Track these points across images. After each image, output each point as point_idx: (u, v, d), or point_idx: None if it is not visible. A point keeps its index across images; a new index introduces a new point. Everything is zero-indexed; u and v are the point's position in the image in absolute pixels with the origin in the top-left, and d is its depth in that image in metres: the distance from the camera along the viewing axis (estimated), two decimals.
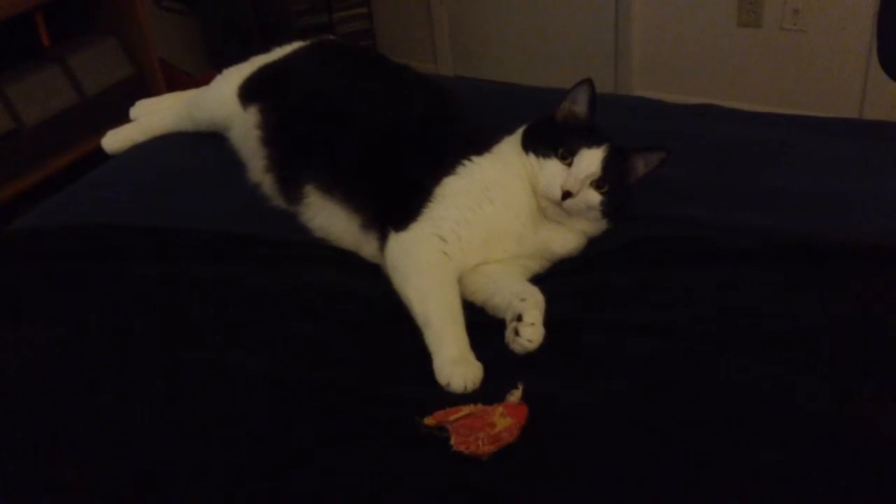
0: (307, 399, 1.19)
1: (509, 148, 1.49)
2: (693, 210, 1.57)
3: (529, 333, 1.25)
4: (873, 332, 1.27)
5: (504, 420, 1.11)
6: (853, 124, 2.19)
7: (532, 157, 1.44)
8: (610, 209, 1.44)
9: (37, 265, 1.51)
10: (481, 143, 1.50)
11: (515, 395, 1.15)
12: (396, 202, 1.45)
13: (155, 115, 2.00)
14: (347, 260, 1.51)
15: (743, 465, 1.06)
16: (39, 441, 1.14)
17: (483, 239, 1.42)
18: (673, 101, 2.27)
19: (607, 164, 1.41)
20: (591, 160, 1.40)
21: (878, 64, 2.61)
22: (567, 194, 1.39)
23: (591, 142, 1.41)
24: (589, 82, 1.43)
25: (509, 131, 1.53)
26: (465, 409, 1.12)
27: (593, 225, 1.47)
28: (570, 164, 1.41)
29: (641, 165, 1.47)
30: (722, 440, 1.10)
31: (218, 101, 1.82)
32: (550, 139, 1.43)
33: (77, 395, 1.20)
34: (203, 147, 1.87)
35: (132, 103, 2.08)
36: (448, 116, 1.64)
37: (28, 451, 1.13)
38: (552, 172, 1.41)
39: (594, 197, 1.42)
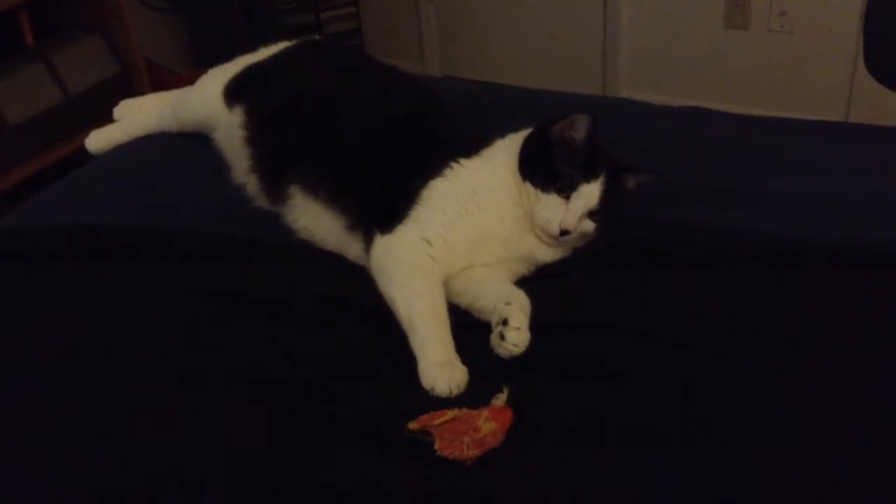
0: (290, 403, 1.18)
1: (499, 153, 1.47)
2: (681, 212, 1.57)
3: (515, 337, 1.24)
4: (864, 335, 1.27)
5: (489, 424, 1.10)
6: (841, 127, 2.21)
7: (530, 186, 1.42)
8: (601, 231, 1.44)
9: (19, 265, 1.49)
10: (469, 146, 1.49)
11: (500, 399, 1.15)
12: (382, 204, 1.44)
13: (139, 116, 1.99)
14: (332, 262, 1.50)
15: (731, 469, 1.06)
16: (19, 444, 1.12)
17: (469, 243, 1.41)
18: (660, 102, 2.27)
19: (604, 195, 1.40)
20: (589, 196, 1.39)
21: (864, 65, 2.62)
22: (565, 232, 1.39)
23: (590, 174, 1.39)
24: (590, 115, 1.39)
25: (499, 133, 1.52)
26: (450, 414, 1.12)
27: (582, 241, 1.47)
28: (568, 198, 1.39)
29: (632, 183, 1.46)
30: (710, 445, 1.10)
31: (203, 101, 1.80)
32: (548, 169, 1.40)
33: (59, 397, 1.19)
34: (187, 148, 1.85)
35: (117, 102, 2.06)
36: (435, 117, 1.63)
37: (7, 454, 1.11)
38: (551, 208, 1.40)
39: (589, 226, 1.42)
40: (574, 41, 3.58)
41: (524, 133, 1.49)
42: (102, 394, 1.19)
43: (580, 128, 1.40)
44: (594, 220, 1.42)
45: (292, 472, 1.07)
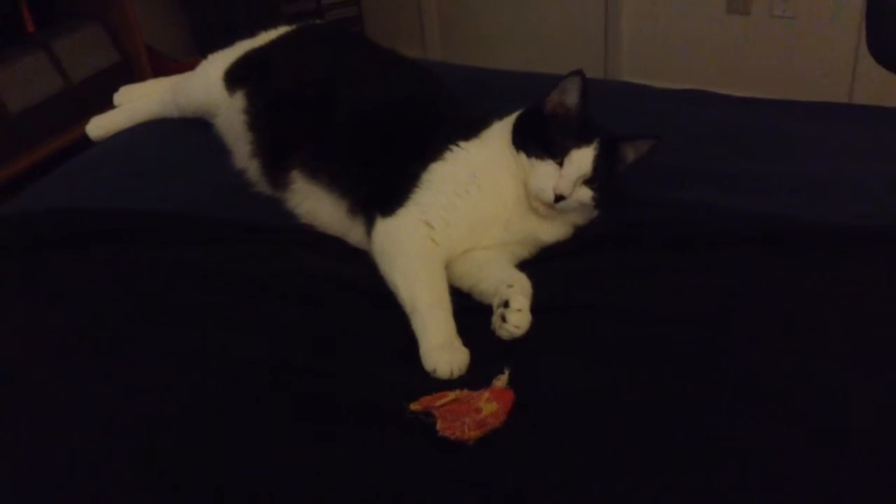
0: (294, 384, 1.18)
1: (498, 134, 1.47)
2: (681, 194, 1.57)
3: (516, 319, 1.25)
4: (868, 314, 1.27)
5: (490, 405, 1.11)
6: (842, 109, 2.20)
7: (523, 156, 1.41)
8: (601, 202, 1.43)
9: (22, 250, 1.49)
10: (469, 128, 1.49)
11: (501, 381, 1.15)
12: (383, 187, 1.44)
13: (139, 101, 1.99)
14: (334, 246, 1.50)
15: (732, 447, 1.06)
16: (24, 429, 1.13)
17: (470, 225, 1.41)
18: (662, 87, 2.27)
19: (598, 160, 1.39)
20: (582, 160, 1.38)
21: (866, 50, 2.61)
22: (559, 197, 1.38)
23: (582, 140, 1.38)
24: (580, 74, 1.39)
25: (499, 116, 1.52)
26: (451, 395, 1.12)
27: (583, 216, 1.47)
28: (561, 164, 1.39)
29: (631, 153, 1.45)
30: (710, 423, 1.10)
31: (203, 86, 1.80)
32: (541, 137, 1.40)
33: (63, 382, 1.19)
34: (188, 133, 1.85)
35: (117, 90, 2.06)
36: (436, 100, 1.63)
37: (12, 441, 1.12)
38: (544, 174, 1.39)
39: (586, 194, 1.41)
40: (575, 26, 3.57)
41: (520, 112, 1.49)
42: (103, 376, 1.20)
43: (572, 90, 1.40)
44: (591, 189, 1.40)
45: (291, 452, 1.07)
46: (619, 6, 3.43)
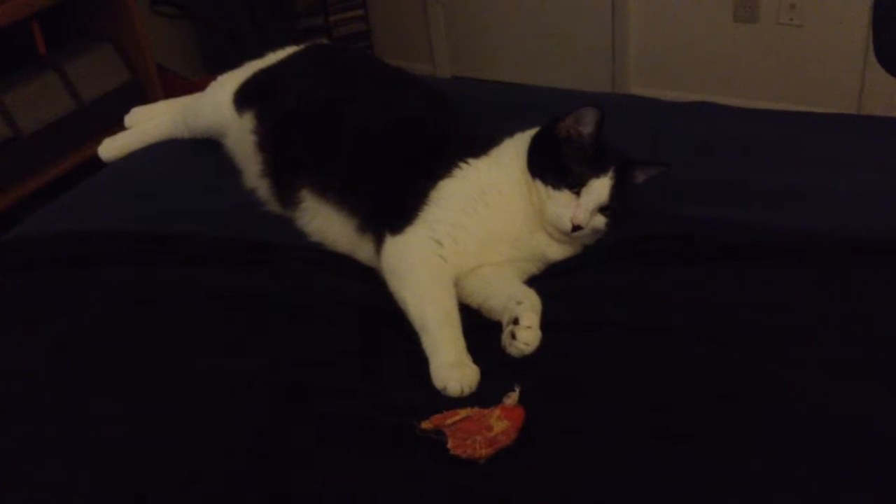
0: (304, 403, 1.19)
1: (508, 152, 1.48)
2: (688, 208, 1.57)
3: (526, 337, 1.25)
4: (869, 328, 1.27)
5: (501, 423, 1.11)
6: (849, 120, 2.19)
7: (539, 183, 1.42)
8: (612, 225, 1.44)
9: (34, 273, 1.51)
10: (478, 146, 1.49)
11: (512, 398, 1.15)
12: (392, 205, 1.45)
13: (150, 123, 2.00)
14: (343, 264, 1.51)
15: (743, 467, 1.06)
16: (31, 449, 1.14)
17: (479, 242, 1.42)
18: (669, 97, 2.27)
19: (614, 189, 1.40)
20: (600, 190, 1.39)
21: (875, 58, 2.60)
22: (577, 227, 1.39)
23: (599, 169, 1.39)
24: (598, 109, 1.39)
25: (508, 133, 1.52)
26: (462, 413, 1.12)
27: (594, 238, 1.48)
28: (578, 193, 1.39)
29: (641, 176, 1.47)
30: (720, 441, 1.10)
31: (213, 107, 1.82)
32: (557, 165, 1.40)
33: (73, 402, 1.20)
34: (199, 153, 1.87)
35: (129, 109, 2.07)
36: (443, 118, 1.64)
37: (18, 459, 1.13)
38: (562, 204, 1.40)
39: (601, 221, 1.42)
40: (583, 38, 3.58)
41: (532, 132, 1.49)
42: (111, 394, 1.21)
43: (587, 122, 1.40)
44: (605, 215, 1.42)
45: (300, 471, 1.08)
46: (625, 17, 3.44)
